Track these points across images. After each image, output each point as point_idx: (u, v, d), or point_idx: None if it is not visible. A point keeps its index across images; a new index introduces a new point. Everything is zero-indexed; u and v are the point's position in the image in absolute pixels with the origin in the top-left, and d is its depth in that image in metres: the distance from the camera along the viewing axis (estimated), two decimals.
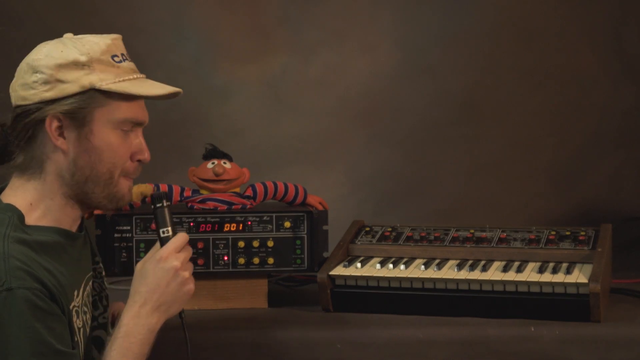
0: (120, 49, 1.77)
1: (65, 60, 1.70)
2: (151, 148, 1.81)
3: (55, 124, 1.70)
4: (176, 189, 2.40)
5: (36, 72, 1.70)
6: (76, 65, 1.70)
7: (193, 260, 2.30)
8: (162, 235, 1.79)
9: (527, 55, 3.42)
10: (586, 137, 3.40)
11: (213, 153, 2.42)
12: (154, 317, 1.73)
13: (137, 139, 1.78)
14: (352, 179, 3.39)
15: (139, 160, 1.79)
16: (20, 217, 1.68)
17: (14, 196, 1.72)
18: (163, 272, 1.73)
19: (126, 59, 1.77)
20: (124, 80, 1.73)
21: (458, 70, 3.42)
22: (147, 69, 1.81)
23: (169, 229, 1.80)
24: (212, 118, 3.38)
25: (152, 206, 1.82)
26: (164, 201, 1.82)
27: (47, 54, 1.71)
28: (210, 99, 3.38)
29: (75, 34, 1.77)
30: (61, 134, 1.71)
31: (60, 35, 1.77)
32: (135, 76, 1.76)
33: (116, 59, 1.74)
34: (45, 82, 1.69)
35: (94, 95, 1.70)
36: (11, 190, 1.74)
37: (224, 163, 2.40)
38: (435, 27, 3.42)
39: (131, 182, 1.81)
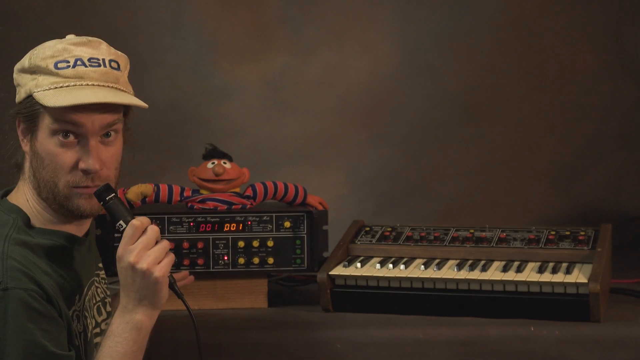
0: (79, 53, 1.70)
1: (21, 65, 1.73)
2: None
3: (21, 126, 1.72)
4: (176, 189, 2.40)
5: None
6: (23, 70, 1.71)
7: (193, 260, 2.31)
8: (120, 230, 1.69)
9: (527, 55, 3.42)
10: (586, 137, 3.40)
11: (213, 153, 2.42)
12: (137, 314, 1.66)
13: (84, 148, 1.68)
14: (352, 179, 3.39)
15: (84, 171, 1.68)
16: (25, 219, 1.69)
17: (17, 198, 1.74)
18: (124, 271, 1.66)
19: (82, 65, 1.69)
20: (55, 88, 1.67)
21: (458, 70, 3.42)
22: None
23: (121, 222, 1.70)
24: (212, 118, 3.38)
25: (102, 205, 1.72)
26: (109, 195, 1.70)
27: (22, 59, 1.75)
28: (210, 99, 3.38)
29: (75, 34, 1.77)
30: (25, 137, 1.72)
31: (60, 36, 1.77)
32: (74, 83, 1.68)
33: (61, 64, 1.68)
34: (16, 86, 1.74)
35: (33, 102, 1.68)
36: (17, 191, 1.76)
37: (224, 163, 2.40)
38: (435, 27, 3.42)
39: (90, 190, 1.69)
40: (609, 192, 3.37)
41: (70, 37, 1.73)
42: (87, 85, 1.68)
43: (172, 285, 1.72)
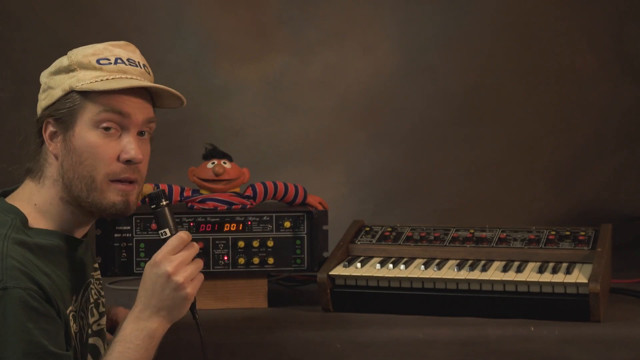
0: (118, 53, 1.74)
1: (55, 67, 1.74)
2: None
3: (49, 129, 1.72)
4: (176, 189, 2.41)
5: (41, 84, 1.76)
6: (60, 70, 1.72)
7: None
8: (162, 237, 1.74)
9: (527, 55, 3.42)
10: (586, 137, 3.40)
11: (213, 153, 2.43)
12: (153, 322, 1.68)
13: (127, 139, 1.72)
14: (352, 179, 3.39)
15: (127, 161, 1.71)
16: (24, 219, 1.69)
17: (20, 199, 1.74)
18: (156, 277, 1.68)
19: (122, 63, 1.73)
20: (101, 80, 1.70)
21: (458, 70, 3.42)
22: None
23: (167, 230, 1.74)
24: (212, 118, 3.38)
25: (151, 207, 1.77)
26: (162, 201, 1.76)
27: (51, 65, 1.76)
28: (210, 99, 3.38)
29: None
30: (54, 139, 1.72)
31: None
32: (119, 76, 1.72)
33: (103, 61, 1.72)
34: (43, 91, 1.74)
35: (74, 97, 1.70)
36: (20, 192, 1.76)
37: (224, 163, 2.40)
38: (435, 27, 3.42)
39: (127, 188, 1.73)
40: (609, 192, 3.37)
41: (107, 42, 1.77)
42: (131, 78, 1.73)
43: (192, 306, 1.75)
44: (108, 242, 2.30)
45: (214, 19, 3.38)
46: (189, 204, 2.39)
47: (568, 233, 2.38)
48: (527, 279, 2.18)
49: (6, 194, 1.77)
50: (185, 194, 2.40)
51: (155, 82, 1.78)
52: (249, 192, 2.43)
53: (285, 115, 3.41)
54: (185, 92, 1.84)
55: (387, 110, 3.43)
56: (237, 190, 2.42)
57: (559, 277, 2.17)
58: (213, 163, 2.39)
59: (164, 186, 2.39)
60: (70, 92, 1.70)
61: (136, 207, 1.74)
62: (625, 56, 3.42)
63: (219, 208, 2.37)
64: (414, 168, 3.40)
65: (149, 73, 1.79)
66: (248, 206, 2.41)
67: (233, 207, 2.38)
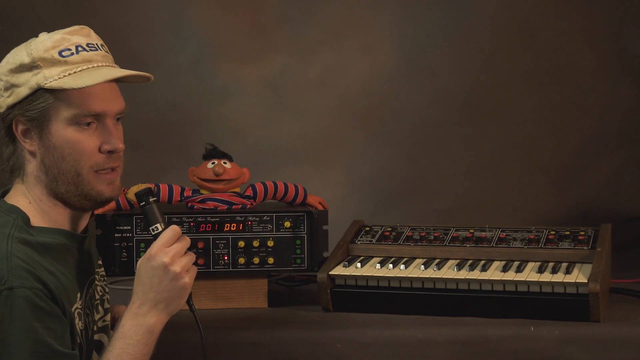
0: (77, 40, 1.71)
1: (15, 64, 1.70)
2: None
3: (20, 127, 1.71)
4: (176, 189, 2.41)
5: (0, 80, 1.72)
6: (23, 67, 1.69)
7: None
8: (153, 232, 1.76)
9: (527, 55, 3.42)
10: (586, 137, 3.40)
11: (213, 153, 2.43)
12: (152, 317, 1.70)
13: (106, 131, 1.72)
14: (352, 179, 3.40)
15: (109, 152, 1.72)
16: (25, 218, 1.69)
17: (16, 199, 1.74)
18: (153, 270, 1.70)
19: (84, 50, 1.71)
20: (69, 75, 1.68)
21: (458, 70, 3.43)
22: (147, 69, 1.80)
23: (158, 225, 1.76)
24: (212, 118, 3.38)
25: (139, 205, 1.79)
26: (150, 198, 1.79)
27: (6, 61, 1.72)
28: (210, 99, 3.39)
29: None
30: (28, 137, 1.71)
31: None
32: (85, 67, 1.70)
33: (65, 53, 1.69)
34: (6, 89, 1.71)
35: (44, 95, 1.68)
36: (13, 193, 1.76)
37: (224, 163, 2.40)
38: (435, 27, 3.42)
39: (112, 176, 1.75)
40: (609, 192, 3.37)
41: (59, 30, 1.73)
42: (98, 66, 1.71)
43: (189, 299, 1.77)
44: (108, 242, 2.30)
45: (214, 19, 3.38)
46: (189, 204, 2.39)
47: (568, 233, 2.38)
48: (527, 279, 2.18)
49: (5, 193, 1.78)
50: (185, 194, 2.40)
51: (141, 74, 1.77)
52: (249, 192, 2.43)
53: (285, 115, 3.42)
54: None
55: (387, 110, 3.44)
56: (237, 190, 2.42)
57: (559, 277, 2.17)
58: (213, 163, 2.39)
59: (164, 186, 2.39)
60: (39, 90, 1.68)
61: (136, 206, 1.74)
62: (625, 56, 3.42)
63: (219, 208, 2.37)
64: (414, 168, 3.40)
65: (108, 52, 1.76)
66: (248, 206, 2.41)
67: (233, 207, 2.38)
